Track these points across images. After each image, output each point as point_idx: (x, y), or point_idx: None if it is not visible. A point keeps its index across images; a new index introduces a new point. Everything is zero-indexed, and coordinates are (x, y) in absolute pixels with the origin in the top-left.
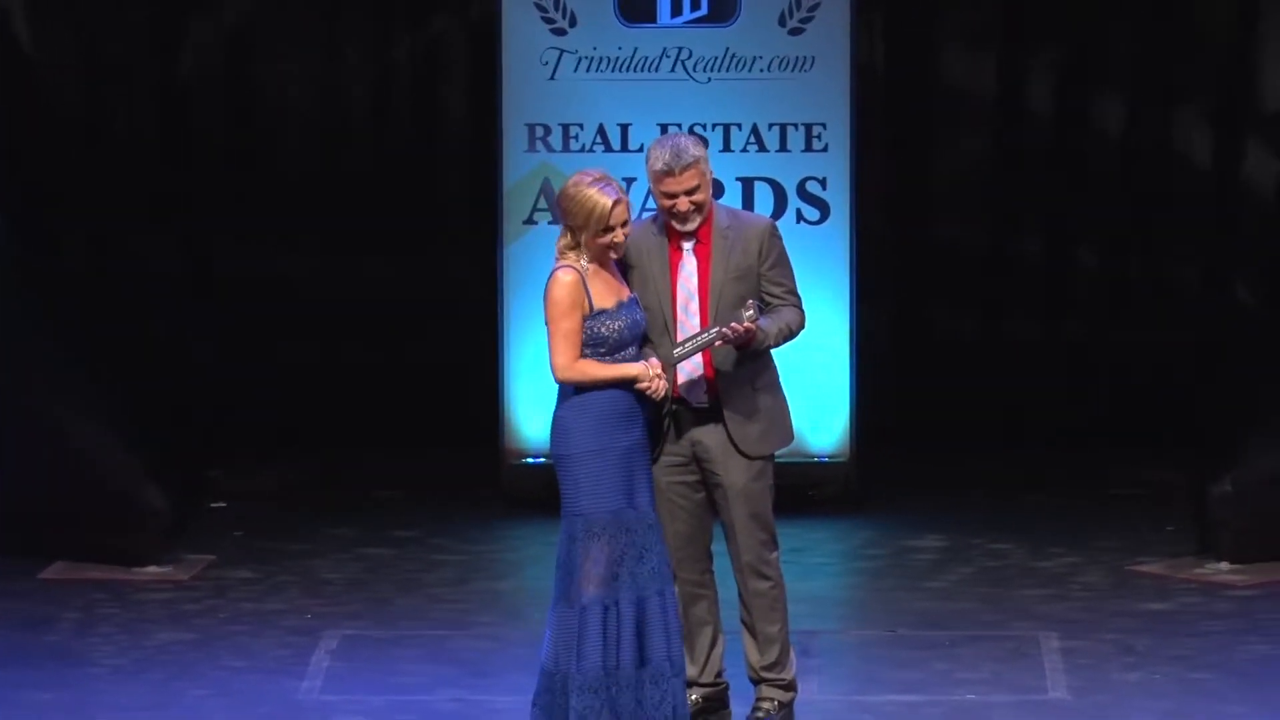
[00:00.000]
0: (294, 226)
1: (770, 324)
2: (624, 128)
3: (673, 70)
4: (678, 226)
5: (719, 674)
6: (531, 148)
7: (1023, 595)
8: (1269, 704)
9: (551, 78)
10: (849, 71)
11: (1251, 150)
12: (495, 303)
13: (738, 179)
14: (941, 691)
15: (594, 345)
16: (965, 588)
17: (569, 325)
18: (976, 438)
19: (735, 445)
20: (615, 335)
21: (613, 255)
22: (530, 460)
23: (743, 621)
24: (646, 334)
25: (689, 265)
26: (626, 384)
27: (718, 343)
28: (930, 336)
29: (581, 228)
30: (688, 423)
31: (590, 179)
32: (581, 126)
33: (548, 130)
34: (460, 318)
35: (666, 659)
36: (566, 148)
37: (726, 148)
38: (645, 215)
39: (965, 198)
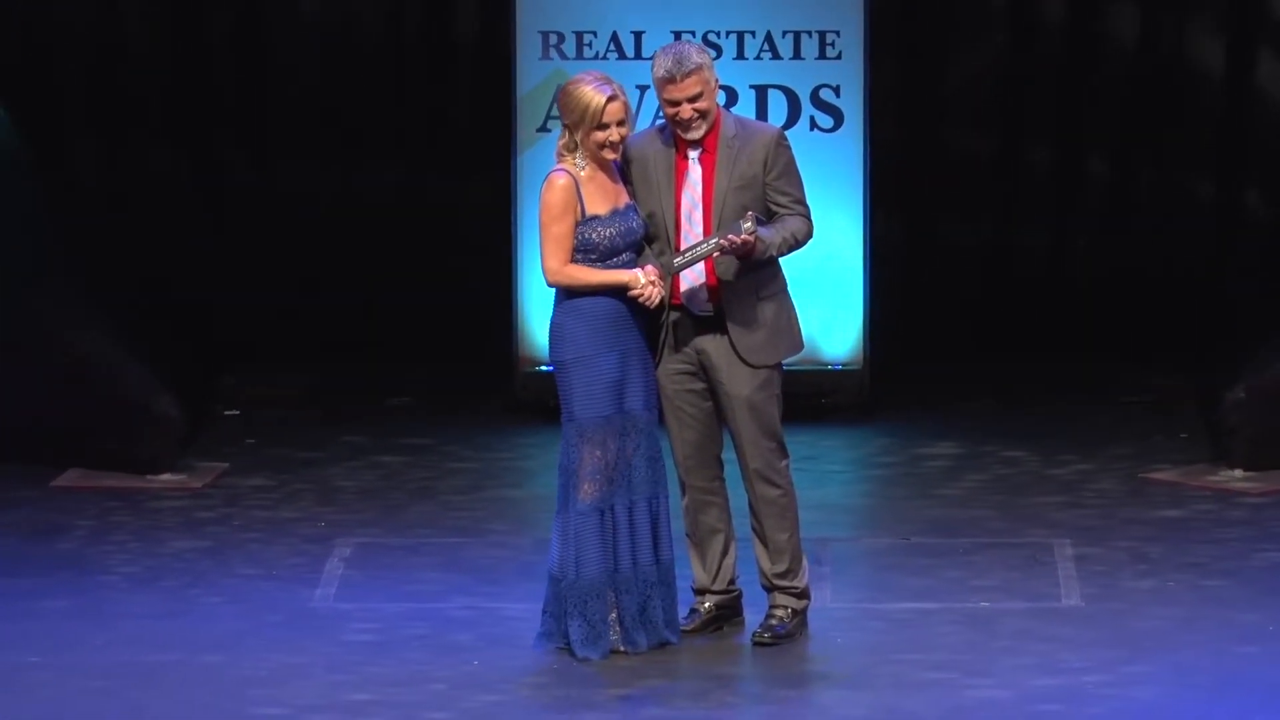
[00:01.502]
0: (306, 135)
1: (773, 234)
2: (638, 35)
3: None
4: (682, 134)
5: (731, 581)
6: (545, 55)
7: (1036, 503)
8: None
9: None
10: None
11: (1263, 59)
12: (509, 210)
13: (751, 87)
14: (954, 599)
15: (585, 251)
16: (978, 495)
17: (560, 229)
18: (989, 345)
19: (738, 354)
20: (606, 241)
21: (609, 155)
22: (543, 368)
23: (753, 530)
24: (648, 240)
25: (694, 174)
26: (618, 291)
27: (716, 253)
28: (943, 244)
29: (577, 125)
30: (692, 331)
31: (589, 78)
32: (595, 34)
33: (561, 38)
34: (474, 225)
35: (654, 563)
36: (580, 55)
37: (740, 55)
38: (658, 123)
39: (979, 105)
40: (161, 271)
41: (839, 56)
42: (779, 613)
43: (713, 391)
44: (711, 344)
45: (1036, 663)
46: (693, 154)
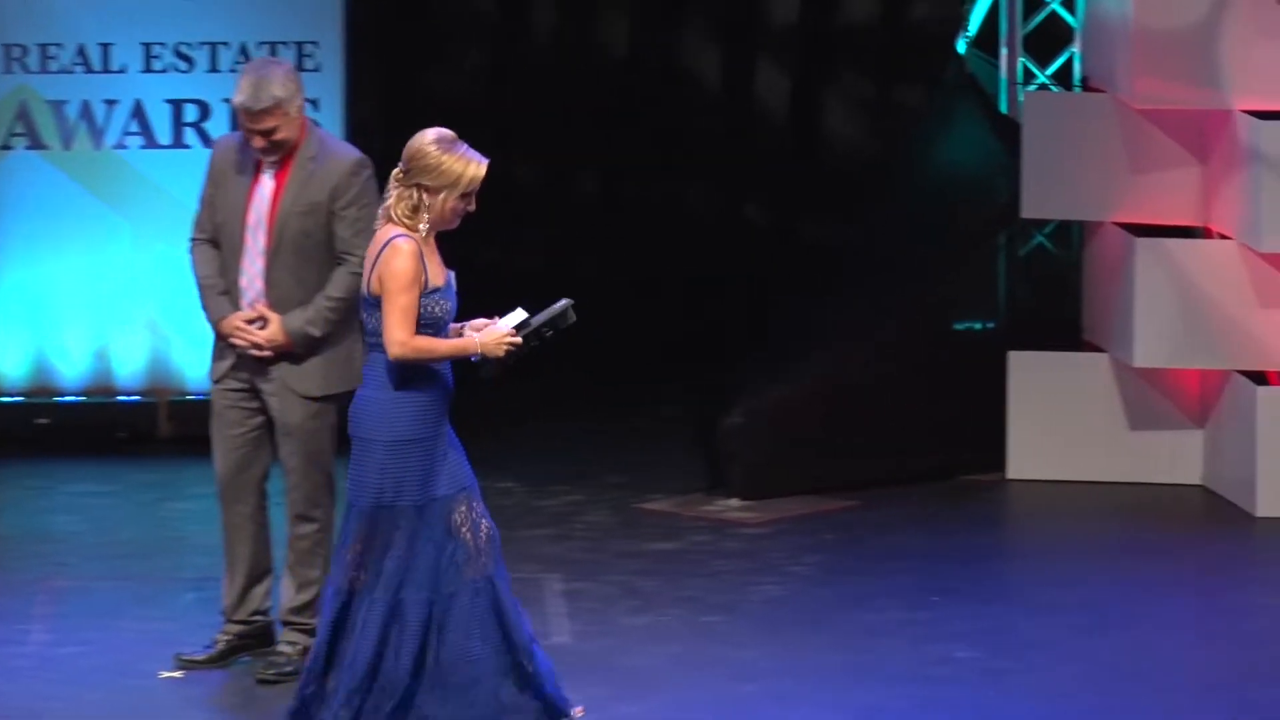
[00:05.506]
0: None
1: (302, 319)
2: (105, 47)
3: None
4: (258, 155)
5: (257, 611)
6: (8, 69)
7: (525, 536)
8: (780, 646)
9: None
10: None
11: (761, 68)
12: None
13: (225, 101)
14: None
15: (425, 325)
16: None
17: (409, 299)
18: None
19: (286, 382)
20: (445, 316)
21: (454, 225)
22: (10, 399)
23: (286, 561)
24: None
25: (265, 189)
26: (460, 358)
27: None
28: None
29: (442, 188)
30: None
31: (449, 141)
32: (61, 46)
33: (25, 50)
34: None
35: (472, 655)
36: (45, 69)
37: (214, 69)
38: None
39: (465, 118)
40: None
41: (317, 69)
42: (286, 649)
43: (265, 414)
44: (264, 367)
45: None
46: (268, 168)
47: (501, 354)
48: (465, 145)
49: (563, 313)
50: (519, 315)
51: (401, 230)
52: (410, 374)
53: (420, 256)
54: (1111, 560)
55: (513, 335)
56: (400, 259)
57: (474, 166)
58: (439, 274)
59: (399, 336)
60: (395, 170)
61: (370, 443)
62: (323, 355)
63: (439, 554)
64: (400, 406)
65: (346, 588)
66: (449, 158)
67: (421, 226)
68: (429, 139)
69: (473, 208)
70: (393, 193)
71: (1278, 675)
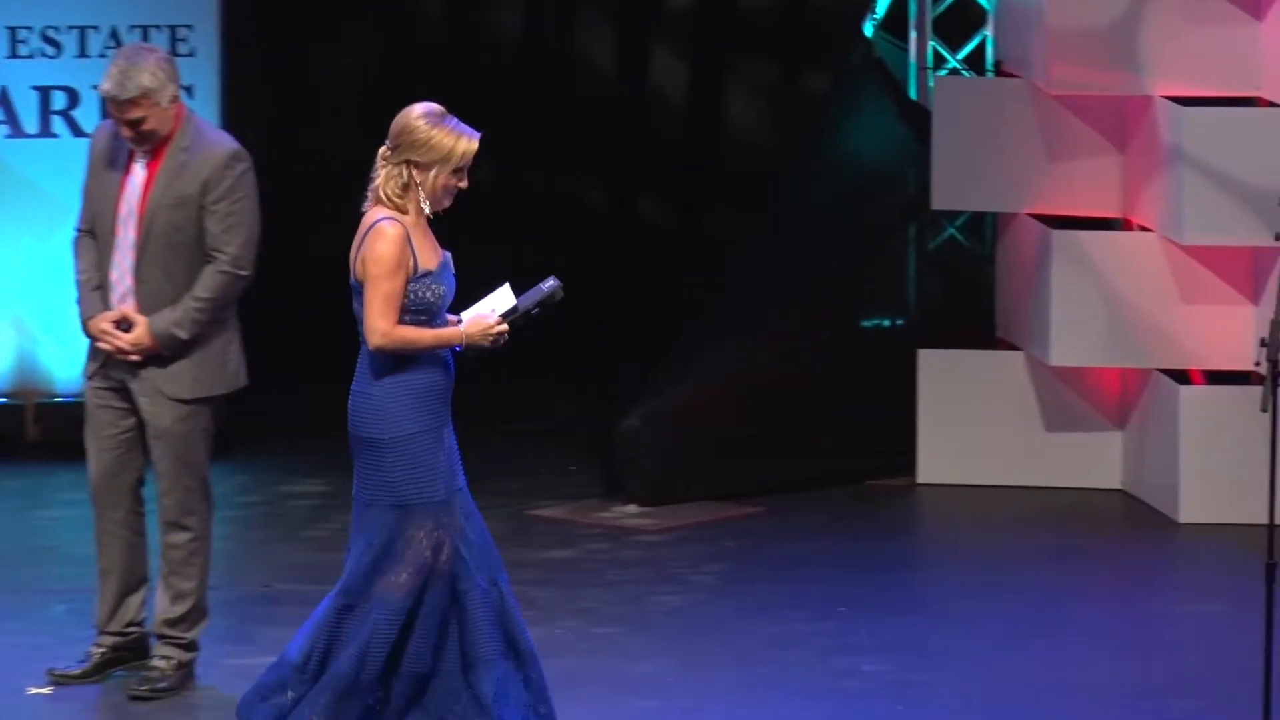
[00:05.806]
0: None
1: (168, 323)
2: None
3: None
4: (130, 145)
5: (132, 623)
6: None
7: None
8: (680, 658)
9: None
10: None
11: (658, 54)
12: None
13: (94, 88)
14: None
15: (416, 312)
16: (347, 538)
17: (393, 286)
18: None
19: (157, 385)
20: (439, 301)
21: (447, 204)
22: None
23: (161, 571)
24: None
25: (136, 179)
26: (447, 348)
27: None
28: (310, 256)
29: (432, 164)
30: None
31: (438, 115)
32: None
33: None
34: None
35: (489, 656)
36: None
37: (83, 54)
38: None
39: (348, 105)
40: None
41: (192, 54)
42: (160, 664)
43: (137, 416)
44: (134, 367)
45: None
46: (141, 158)
47: (487, 344)
48: (454, 119)
49: (550, 294)
50: (506, 294)
51: (389, 213)
52: (404, 362)
53: (407, 240)
54: (1027, 568)
55: (500, 325)
56: (383, 243)
57: (465, 141)
58: (431, 257)
59: (380, 326)
60: (382, 148)
61: (374, 442)
62: (193, 356)
63: (456, 552)
64: (395, 399)
65: (354, 589)
66: (439, 132)
67: (424, 205)
68: (416, 113)
69: (465, 184)
70: (380, 172)
71: (1199, 684)
